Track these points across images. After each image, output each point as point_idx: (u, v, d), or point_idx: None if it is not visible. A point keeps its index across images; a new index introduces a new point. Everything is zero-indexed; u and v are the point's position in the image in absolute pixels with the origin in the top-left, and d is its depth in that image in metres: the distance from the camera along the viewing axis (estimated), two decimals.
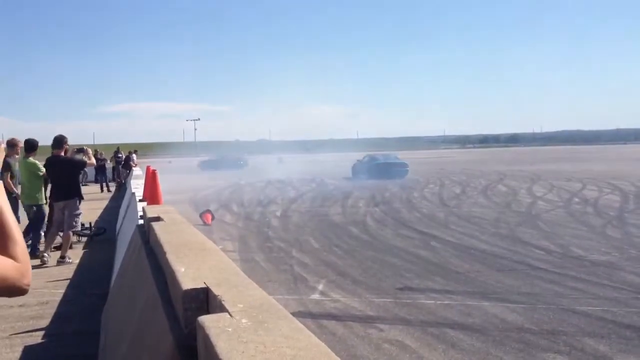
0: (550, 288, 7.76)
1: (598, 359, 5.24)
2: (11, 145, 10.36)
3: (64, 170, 10.07)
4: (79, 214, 10.29)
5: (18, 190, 10.66)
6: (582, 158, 60.14)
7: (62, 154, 10.26)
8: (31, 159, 10.52)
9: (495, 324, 6.28)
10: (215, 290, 2.04)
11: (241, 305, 1.84)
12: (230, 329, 1.60)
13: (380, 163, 32.90)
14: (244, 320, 1.67)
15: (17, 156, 10.68)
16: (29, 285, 1.37)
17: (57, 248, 10.38)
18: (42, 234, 10.76)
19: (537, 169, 38.96)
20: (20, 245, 1.38)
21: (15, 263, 1.35)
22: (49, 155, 10.53)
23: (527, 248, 10.64)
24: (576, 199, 18.99)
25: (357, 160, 35.27)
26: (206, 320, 1.69)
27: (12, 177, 10.56)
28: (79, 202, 10.25)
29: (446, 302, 7.20)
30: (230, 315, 1.74)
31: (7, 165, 10.33)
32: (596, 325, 6.17)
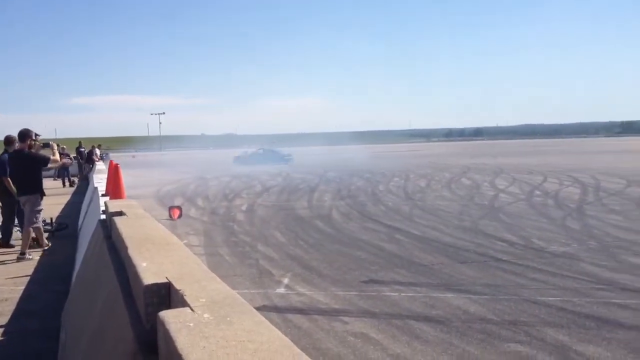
0: (512, 279, 7.88)
1: (558, 349, 5.34)
2: None
3: (27, 165, 9.90)
4: (40, 210, 10.12)
5: None
6: (544, 151, 61.18)
7: (27, 148, 10.09)
8: None
9: (458, 315, 6.36)
10: (177, 285, 2.02)
11: (203, 300, 1.83)
12: (191, 324, 1.58)
13: (275, 154, 48.34)
14: (205, 315, 1.66)
15: None
16: None
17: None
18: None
19: (500, 162, 39.48)
20: None
21: None
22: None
23: (490, 240, 10.78)
24: (537, 192, 19.31)
25: (255, 152, 49.76)
26: (167, 315, 1.68)
27: None
28: (41, 198, 10.08)
29: (410, 294, 7.26)
30: (192, 310, 1.72)
31: None
32: (556, 315, 6.29)
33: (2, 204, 11.07)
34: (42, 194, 10.13)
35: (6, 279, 8.34)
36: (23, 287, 7.85)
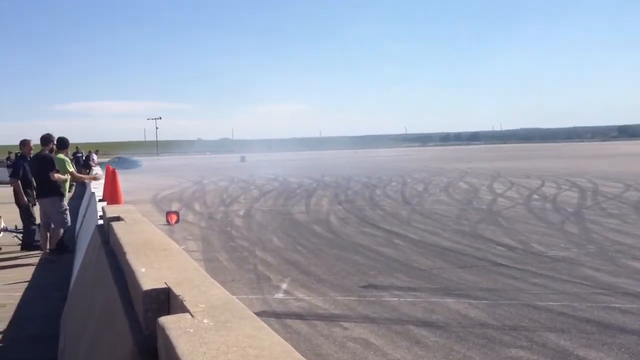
0: (512, 284, 7.85)
1: (559, 354, 5.31)
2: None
3: (42, 167, 10.19)
4: (65, 210, 10.25)
5: None
6: (541, 155, 61.29)
7: (49, 152, 10.42)
8: (61, 155, 11.00)
9: (458, 320, 6.32)
10: (176, 290, 2.00)
11: (203, 306, 1.80)
12: (191, 330, 1.56)
13: (128, 161, 59.65)
14: (205, 321, 1.64)
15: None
16: None
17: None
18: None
19: (497, 166, 39.52)
20: None
21: None
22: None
23: (489, 244, 10.76)
24: (535, 196, 19.31)
25: (112, 159, 59.16)
26: (167, 321, 1.65)
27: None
28: (61, 200, 10.24)
29: (410, 299, 7.23)
30: (192, 315, 1.70)
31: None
32: (557, 320, 6.26)
33: (19, 208, 11.48)
34: (62, 195, 10.28)
35: (4, 285, 8.30)
36: (21, 294, 7.80)
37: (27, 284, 8.39)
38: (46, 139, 10.44)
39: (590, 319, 6.27)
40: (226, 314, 1.72)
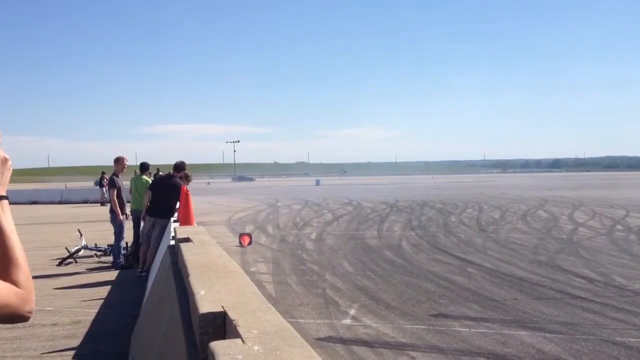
0: (590, 318, 7.50)
1: None
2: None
3: (166, 190, 10.76)
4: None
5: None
6: (627, 184, 58.82)
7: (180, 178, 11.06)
8: (145, 176, 12.45)
9: (532, 355, 6.07)
10: (232, 315, 2.00)
11: (255, 331, 1.78)
12: (240, 357, 1.54)
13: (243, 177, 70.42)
14: (255, 347, 1.62)
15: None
16: (30, 313, 1.32)
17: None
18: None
19: (579, 194, 38.18)
20: (23, 270, 1.34)
21: (17, 289, 1.30)
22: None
23: (567, 276, 10.34)
24: (619, 227, 18.48)
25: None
26: (217, 346, 1.65)
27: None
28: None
29: (481, 330, 7.01)
30: (243, 341, 1.68)
31: (112, 182, 11.81)
32: (637, 357, 5.92)
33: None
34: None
35: (81, 301, 8.57)
36: (96, 310, 8.04)
37: (102, 301, 8.64)
38: (179, 167, 11.22)
39: None
40: (278, 341, 1.69)
